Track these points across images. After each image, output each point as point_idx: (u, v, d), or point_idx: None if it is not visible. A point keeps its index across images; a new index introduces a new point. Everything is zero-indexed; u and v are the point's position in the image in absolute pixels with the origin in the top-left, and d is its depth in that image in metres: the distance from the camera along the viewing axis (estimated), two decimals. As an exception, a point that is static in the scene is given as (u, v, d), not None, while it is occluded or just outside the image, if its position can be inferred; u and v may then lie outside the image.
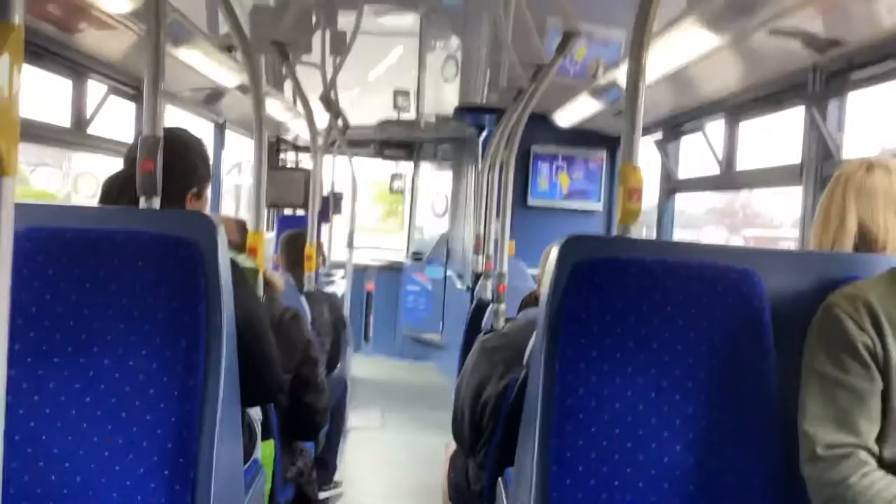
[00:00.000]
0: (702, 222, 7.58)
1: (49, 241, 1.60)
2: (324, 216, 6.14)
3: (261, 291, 2.60)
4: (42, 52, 3.13)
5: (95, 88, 3.72)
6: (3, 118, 0.78)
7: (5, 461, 0.93)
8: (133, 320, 1.58)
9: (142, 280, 1.59)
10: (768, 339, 1.64)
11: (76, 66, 3.47)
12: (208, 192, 2.12)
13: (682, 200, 5.00)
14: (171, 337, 1.58)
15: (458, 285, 7.62)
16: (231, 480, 1.79)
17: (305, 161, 8.72)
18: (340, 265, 7.57)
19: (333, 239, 7.88)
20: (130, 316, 1.58)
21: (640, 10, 1.85)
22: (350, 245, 7.53)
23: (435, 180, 9.15)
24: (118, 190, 1.94)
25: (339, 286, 7.04)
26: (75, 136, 3.62)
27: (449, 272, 8.22)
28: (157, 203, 1.78)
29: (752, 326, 1.64)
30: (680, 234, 5.24)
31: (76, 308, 1.58)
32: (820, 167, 2.98)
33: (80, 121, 3.61)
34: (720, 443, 1.61)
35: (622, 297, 1.64)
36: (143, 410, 1.56)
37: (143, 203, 1.78)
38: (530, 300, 3.06)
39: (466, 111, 7.07)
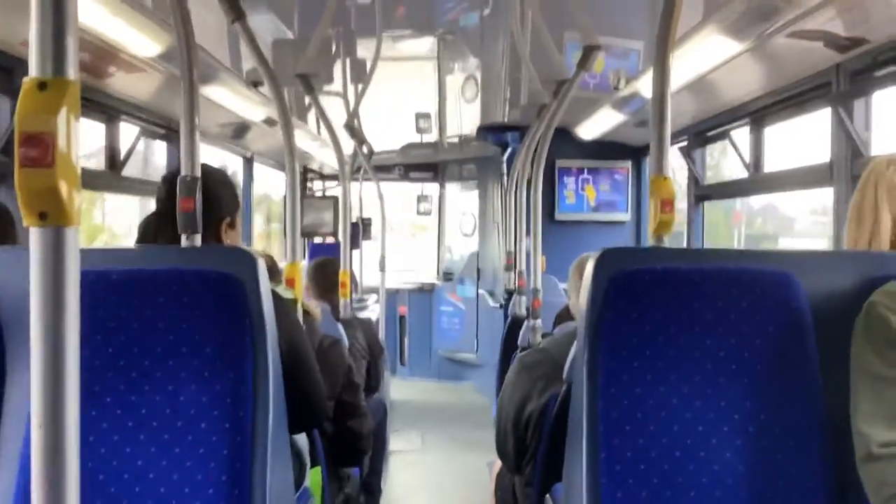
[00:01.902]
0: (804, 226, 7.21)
1: (96, 283, 1.64)
2: (354, 242, 6.19)
3: (301, 320, 2.64)
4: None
5: (127, 130, 3.80)
6: (66, 169, 0.82)
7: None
8: (181, 356, 1.61)
9: (188, 316, 1.62)
10: (811, 341, 1.63)
11: (108, 109, 3.55)
12: (240, 223, 2.16)
13: (775, 197, 4.83)
14: (220, 371, 1.60)
15: (491, 303, 7.63)
16: None
17: (332, 189, 8.81)
18: (373, 290, 7.62)
19: (364, 264, 7.94)
20: (179, 352, 1.61)
21: (663, 20, 1.86)
22: (382, 269, 7.57)
23: (461, 200, 9.18)
24: (155, 229, 1.99)
25: (373, 311, 7.08)
26: (110, 178, 3.70)
27: (481, 291, 8.23)
28: (198, 240, 1.82)
29: (794, 329, 1.64)
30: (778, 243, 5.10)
31: (125, 348, 1.61)
32: (850, 166, 2.97)
33: (113, 163, 3.69)
34: (769, 448, 1.60)
35: (661, 307, 1.64)
36: (195, 445, 1.58)
37: (184, 241, 1.83)
38: (565, 314, 3.07)
39: (489, 130, 7.11)
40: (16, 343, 1.59)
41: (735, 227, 8.48)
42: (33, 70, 0.84)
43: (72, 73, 0.84)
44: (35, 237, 0.86)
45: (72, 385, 0.89)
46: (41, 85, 0.83)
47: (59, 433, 0.88)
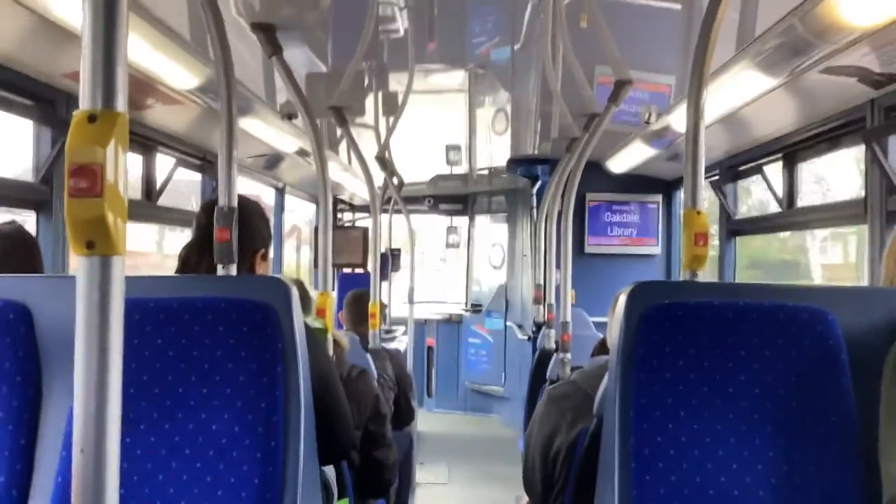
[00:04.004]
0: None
1: (132, 311, 1.65)
2: (383, 273, 6.21)
3: (330, 350, 2.65)
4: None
5: (163, 161, 3.87)
6: (114, 199, 0.84)
7: None
8: (215, 384, 1.62)
9: (222, 345, 1.63)
10: (847, 378, 1.61)
11: (145, 140, 3.62)
12: (271, 251, 2.18)
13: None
14: (252, 400, 1.61)
15: (519, 336, 7.60)
16: None
17: (361, 220, 8.87)
18: (401, 321, 7.63)
19: (393, 294, 7.96)
20: (212, 380, 1.62)
21: (697, 54, 1.87)
22: (410, 301, 7.58)
23: (490, 232, 9.20)
24: (196, 258, 2.01)
25: (401, 342, 7.08)
26: (147, 207, 3.76)
27: (509, 323, 8.21)
28: (234, 270, 1.85)
29: (830, 367, 1.62)
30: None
31: (160, 375, 1.63)
32: (885, 203, 2.94)
33: (150, 192, 3.75)
34: (803, 487, 1.58)
35: (694, 342, 1.63)
36: (227, 473, 1.59)
37: (220, 270, 1.85)
38: (600, 349, 3.05)
39: (519, 163, 7.14)
40: (53, 368, 1.62)
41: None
42: (84, 102, 0.86)
43: (121, 105, 0.87)
44: (83, 266, 0.88)
45: (114, 412, 0.90)
46: (91, 117, 0.86)
47: (101, 459, 0.89)
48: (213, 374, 1.63)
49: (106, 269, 0.88)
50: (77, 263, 0.87)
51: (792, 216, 3.99)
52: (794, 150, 3.88)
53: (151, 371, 1.63)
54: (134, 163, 3.69)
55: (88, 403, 0.90)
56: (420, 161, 7.77)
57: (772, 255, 6.25)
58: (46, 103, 2.75)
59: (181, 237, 4.33)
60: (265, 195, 6.14)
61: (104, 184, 0.84)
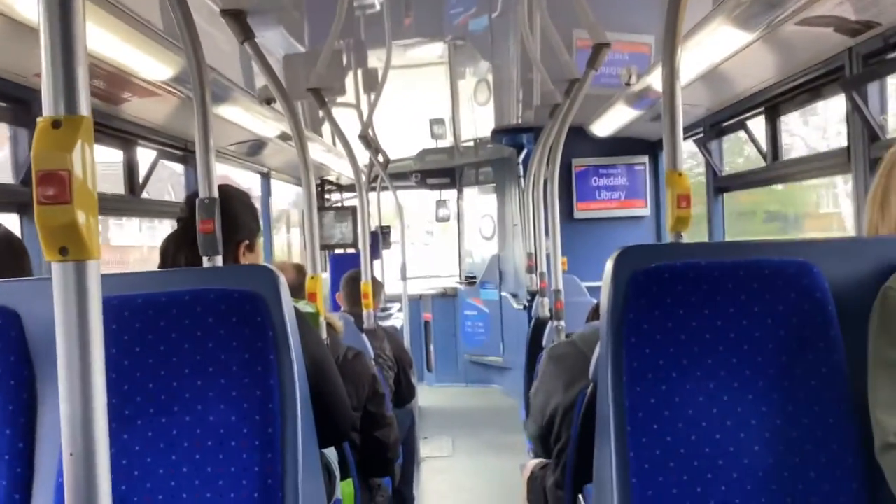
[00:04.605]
0: None
1: (121, 309, 1.66)
2: (374, 252, 6.21)
3: (324, 334, 2.65)
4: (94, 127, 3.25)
5: (144, 154, 3.84)
6: (84, 204, 0.84)
7: None
8: (209, 376, 1.63)
9: (213, 336, 1.64)
10: (835, 329, 1.62)
11: (125, 134, 3.59)
12: (261, 242, 2.17)
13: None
14: (247, 389, 1.62)
15: (514, 305, 7.63)
16: None
17: (350, 199, 8.85)
18: (395, 298, 7.63)
19: (385, 272, 7.96)
20: (206, 372, 1.63)
21: (669, 14, 1.86)
22: (403, 277, 7.58)
23: (480, 203, 9.19)
24: (174, 249, 2.00)
25: (397, 319, 7.10)
26: (130, 202, 3.74)
27: (503, 293, 8.23)
28: (219, 261, 1.84)
29: (818, 319, 1.63)
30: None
31: (153, 370, 1.63)
32: (867, 151, 2.94)
33: (133, 186, 3.73)
34: (798, 439, 1.60)
35: (682, 303, 1.64)
36: (227, 463, 1.60)
37: (206, 262, 1.85)
38: (594, 315, 3.08)
39: (503, 132, 7.12)
40: (45, 373, 1.62)
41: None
42: (47, 109, 0.86)
43: (84, 109, 0.86)
44: (57, 273, 0.87)
45: (100, 415, 0.91)
46: (55, 123, 0.85)
47: (91, 460, 0.90)
48: (206, 366, 1.63)
49: (81, 274, 0.88)
50: (52, 271, 0.87)
51: (777, 169, 3.99)
52: (775, 102, 3.87)
53: (144, 367, 1.63)
54: (115, 157, 3.67)
55: (74, 408, 0.90)
56: (405, 136, 7.75)
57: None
58: (21, 104, 2.73)
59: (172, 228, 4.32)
60: (252, 181, 6.12)
61: (73, 189, 0.83)
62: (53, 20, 0.86)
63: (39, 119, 0.86)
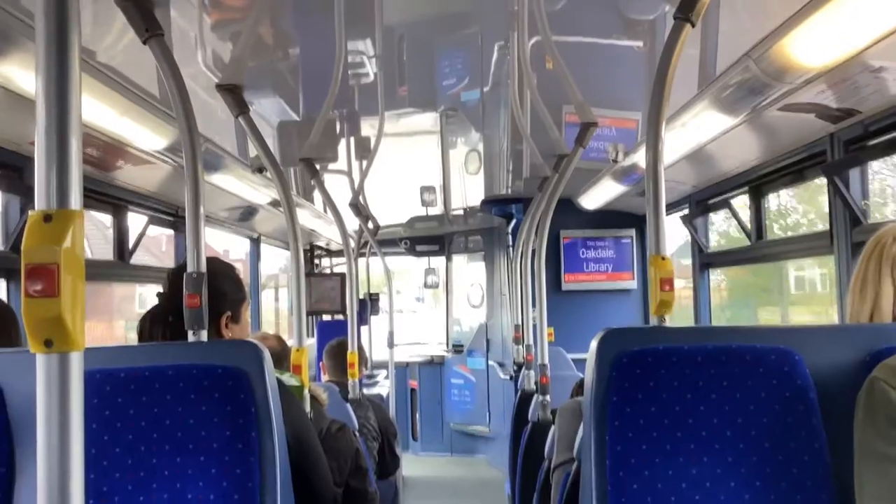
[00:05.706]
0: None
1: (103, 383, 1.65)
2: (361, 319, 6.19)
3: (308, 407, 2.63)
4: (85, 193, 3.27)
5: (134, 219, 3.85)
6: (71, 298, 0.85)
7: None
8: (188, 453, 1.61)
9: (194, 413, 1.62)
10: (817, 417, 1.62)
11: (116, 200, 3.61)
12: (247, 314, 2.16)
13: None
14: (227, 466, 1.60)
15: (501, 375, 7.58)
16: None
17: (340, 265, 8.86)
18: (382, 365, 7.58)
19: (373, 339, 7.92)
20: (186, 449, 1.61)
21: (652, 105, 1.91)
22: (391, 345, 7.54)
23: (468, 272, 9.21)
24: (150, 325, 1.99)
25: (383, 386, 7.04)
26: (119, 267, 3.74)
27: (491, 362, 8.19)
28: (205, 335, 1.84)
29: (799, 406, 1.63)
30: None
31: (133, 446, 1.61)
32: (849, 234, 2.99)
33: (122, 252, 3.73)
34: None
35: (665, 387, 1.64)
36: None
37: (191, 336, 1.84)
38: (579, 390, 3.08)
39: (493, 203, 7.18)
40: (24, 444, 1.60)
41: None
42: (39, 203, 0.87)
43: (75, 203, 0.88)
44: (41, 363, 0.88)
45: (76, 493, 0.90)
46: (46, 217, 0.87)
47: None
48: (187, 443, 1.62)
49: (65, 365, 0.88)
50: (37, 361, 0.87)
51: (761, 248, 4.04)
52: (759, 183, 3.94)
53: (124, 443, 1.62)
54: (106, 222, 3.68)
55: (52, 488, 0.90)
56: (395, 203, 7.79)
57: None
58: (14, 171, 2.75)
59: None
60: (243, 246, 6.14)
61: (60, 283, 0.85)
62: (51, 119, 0.88)
63: (31, 213, 0.87)
